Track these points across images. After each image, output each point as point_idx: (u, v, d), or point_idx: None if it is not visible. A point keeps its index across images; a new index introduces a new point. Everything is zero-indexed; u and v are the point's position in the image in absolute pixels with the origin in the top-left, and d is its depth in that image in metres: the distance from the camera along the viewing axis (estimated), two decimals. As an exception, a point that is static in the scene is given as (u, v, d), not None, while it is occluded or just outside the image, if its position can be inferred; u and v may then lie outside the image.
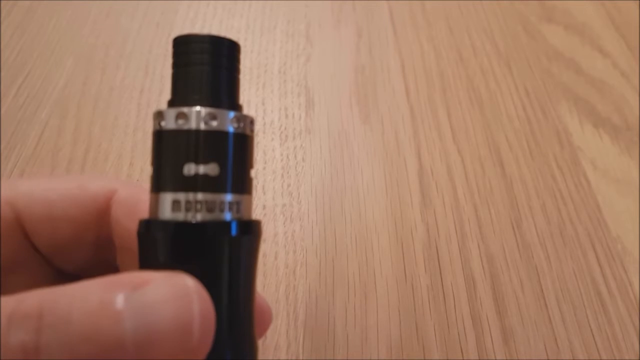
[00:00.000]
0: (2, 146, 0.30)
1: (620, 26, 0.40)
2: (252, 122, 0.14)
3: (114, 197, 0.17)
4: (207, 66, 0.14)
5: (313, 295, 0.26)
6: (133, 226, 0.14)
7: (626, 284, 0.27)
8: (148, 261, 0.14)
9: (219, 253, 0.13)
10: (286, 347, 0.24)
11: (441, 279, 0.26)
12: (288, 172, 0.30)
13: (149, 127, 0.32)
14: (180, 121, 0.13)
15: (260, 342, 0.22)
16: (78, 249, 0.17)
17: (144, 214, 0.14)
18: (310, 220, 0.28)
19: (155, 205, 0.14)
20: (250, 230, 0.14)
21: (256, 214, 0.29)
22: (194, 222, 0.13)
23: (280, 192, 0.29)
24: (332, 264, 0.27)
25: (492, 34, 0.39)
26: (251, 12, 0.40)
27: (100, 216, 0.17)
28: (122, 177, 0.30)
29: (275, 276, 0.26)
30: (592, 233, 0.28)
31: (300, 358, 0.24)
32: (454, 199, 0.30)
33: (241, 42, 0.15)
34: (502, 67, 0.37)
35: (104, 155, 0.31)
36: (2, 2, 0.39)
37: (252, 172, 0.15)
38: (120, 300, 0.11)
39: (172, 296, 0.11)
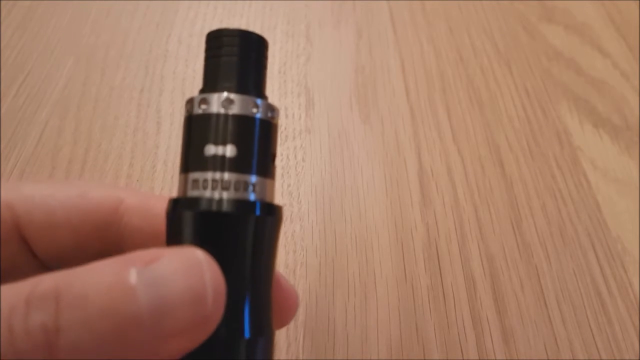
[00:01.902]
0: (2, 146, 0.30)
1: (620, 26, 0.40)
2: (273, 109, 0.15)
3: (121, 206, 0.17)
4: (234, 57, 0.15)
5: (313, 295, 0.26)
6: (152, 230, 0.14)
7: (626, 284, 0.27)
8: (174, 239, 0.14)
9: (242, 231, 0.14)
10: (286, 347, 0.24)
11: (441, 279, 0.26)
12: (288, 172, 0.30)
13: (149, 127, 0.32)
14: (204, 106, 0.14)
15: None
16: (78, 257, 0.17)
17: (160, 217, 0.14)
18: (310, 220, 0.28)
19: (183, 185, 0.14)
20: (274, 212, 0.15)
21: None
22: (218, 199, 0.14)
23: (280, 192, 0.29)
24: (332, 264, 0.27)
25: (492, 34, 0.39)
26: (251, 12, 0.40)
27: (103, 226, 0.17)
28: (122, 177, 0.30)
29: (275, 276, 0.26)
30: (592, 233, 0.29)
31: (300, 358, 0.24)
32: (454, 199, 0.30)
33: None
34: (502, 67, 0.37)
35: (104, 155, 0.31)
36: (2, 2, 0.39)
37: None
38: (133, 276, 0.11)
39: (182, 268, 0.12)
